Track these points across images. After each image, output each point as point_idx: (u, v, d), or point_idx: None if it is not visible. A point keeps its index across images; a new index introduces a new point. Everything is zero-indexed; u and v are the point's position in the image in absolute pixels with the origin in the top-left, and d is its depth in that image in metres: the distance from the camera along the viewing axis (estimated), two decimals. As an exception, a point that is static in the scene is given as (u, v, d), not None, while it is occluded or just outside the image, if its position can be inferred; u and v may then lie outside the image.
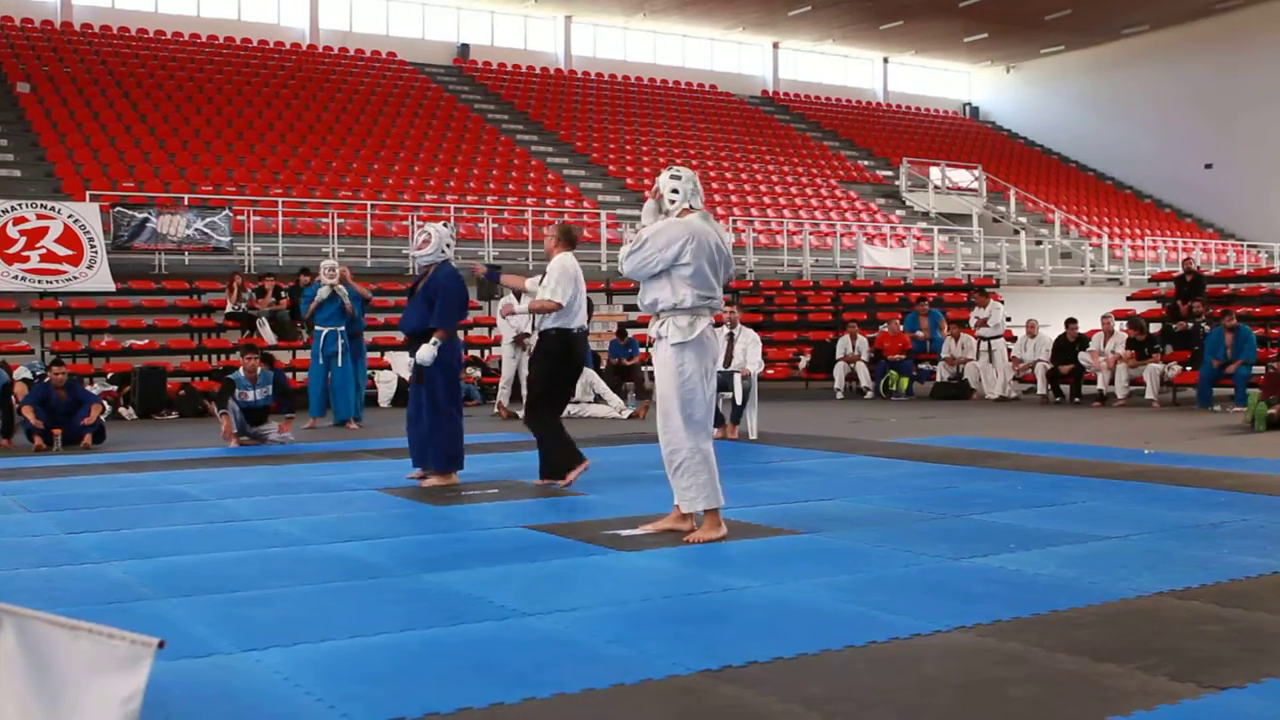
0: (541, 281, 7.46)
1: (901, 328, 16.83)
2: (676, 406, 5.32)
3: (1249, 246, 30.50)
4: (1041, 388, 15.11)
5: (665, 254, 5.34)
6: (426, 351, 7.34)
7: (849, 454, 9.01)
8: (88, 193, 17.60)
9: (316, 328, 12.03)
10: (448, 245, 7.61)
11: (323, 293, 11.94)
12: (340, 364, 11.90)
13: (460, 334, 15.54)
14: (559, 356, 7.34)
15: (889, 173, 31.64)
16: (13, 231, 15.02)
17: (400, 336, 9.57)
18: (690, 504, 5.36)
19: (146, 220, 16.51)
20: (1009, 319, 17.18)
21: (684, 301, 5.35)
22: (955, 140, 36.53)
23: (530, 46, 33.90)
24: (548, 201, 23.40)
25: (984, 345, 16.03)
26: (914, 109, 39.42)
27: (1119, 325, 15.01)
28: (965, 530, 5.54)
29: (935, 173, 30.45)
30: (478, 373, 15.26)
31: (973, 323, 16.73)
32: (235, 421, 10.15)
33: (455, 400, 7.60)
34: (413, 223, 18.42)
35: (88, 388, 11.78)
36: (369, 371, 14.54)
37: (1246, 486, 6.85)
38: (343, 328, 12.02)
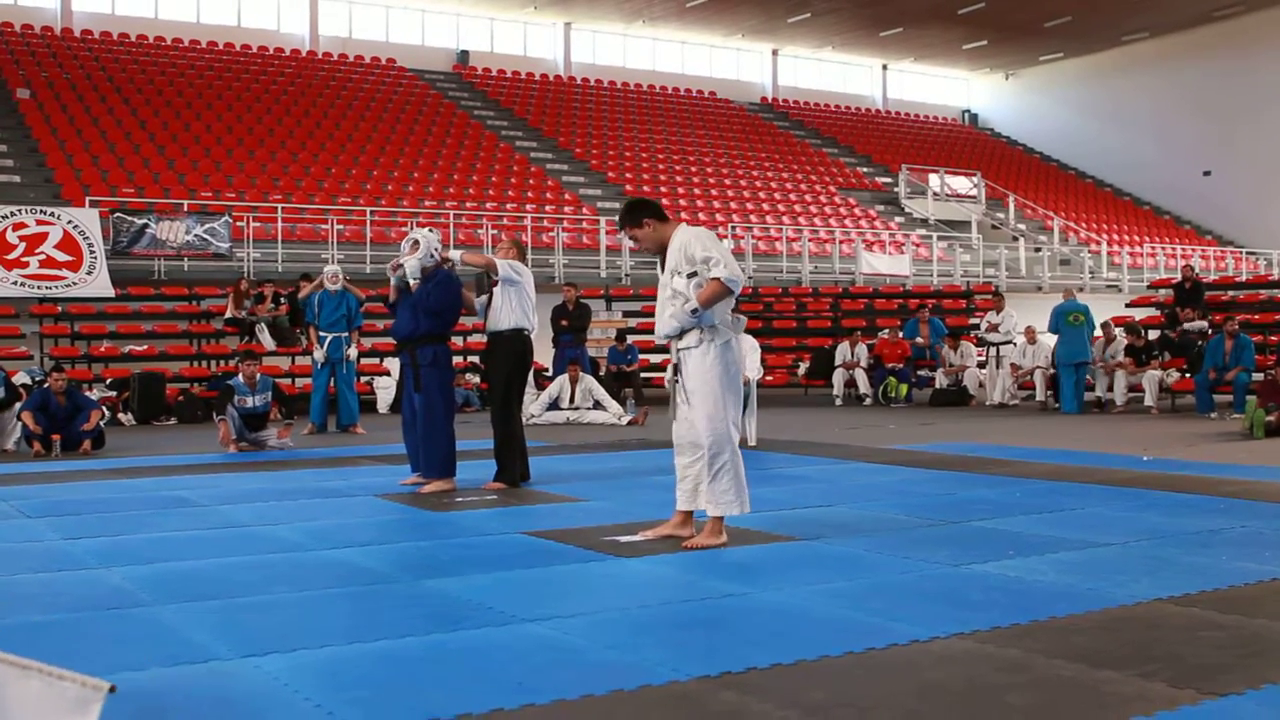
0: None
1: (901, 335, 16.84)
2: (724, 406, 5.23)
3: (1248, 253, 30.51)
4: (1040, 394, 15.11)
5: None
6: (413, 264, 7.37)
7: (848, 460, 9.01)
8: (87, 198, 17.61)
9: (321, 333, 12.08)
10: (436, 249, 7.64)
11: (331, 286, 12.12)
12: (344, 369, 12.08)
13: (460, 340, 15.46)
14: (519, 356, 7.59)
15: (888, 179, 31.67)
16: (12, 237, 15.02)
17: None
18: (726, 507, 5.27)
19: (146, 226, 16.51)
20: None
21: (731, 305, 5.37)
22: (954, 147, 36.56)
23: (530, 53, 33.93)
24: (547, 208, 23.40)
25: (991, 350, 16.02)
26: (913, 116, 39.45)
27: (1118, 332, 15.03)
28: (964, 536, 5.54)
29: (934, 179, 30.49)
30: (476, 378, 15.23)
31: (984, 326, 16.71)
32: (234, 427, 10.15)
33: (449, 406, 7.68)
34: (412, 229, 18.45)
35: (87, 393, 11.78)
36: (367, 377, 14.51)
37: (1245, 493, 6.84)
38: (346, 334, 12.13)
